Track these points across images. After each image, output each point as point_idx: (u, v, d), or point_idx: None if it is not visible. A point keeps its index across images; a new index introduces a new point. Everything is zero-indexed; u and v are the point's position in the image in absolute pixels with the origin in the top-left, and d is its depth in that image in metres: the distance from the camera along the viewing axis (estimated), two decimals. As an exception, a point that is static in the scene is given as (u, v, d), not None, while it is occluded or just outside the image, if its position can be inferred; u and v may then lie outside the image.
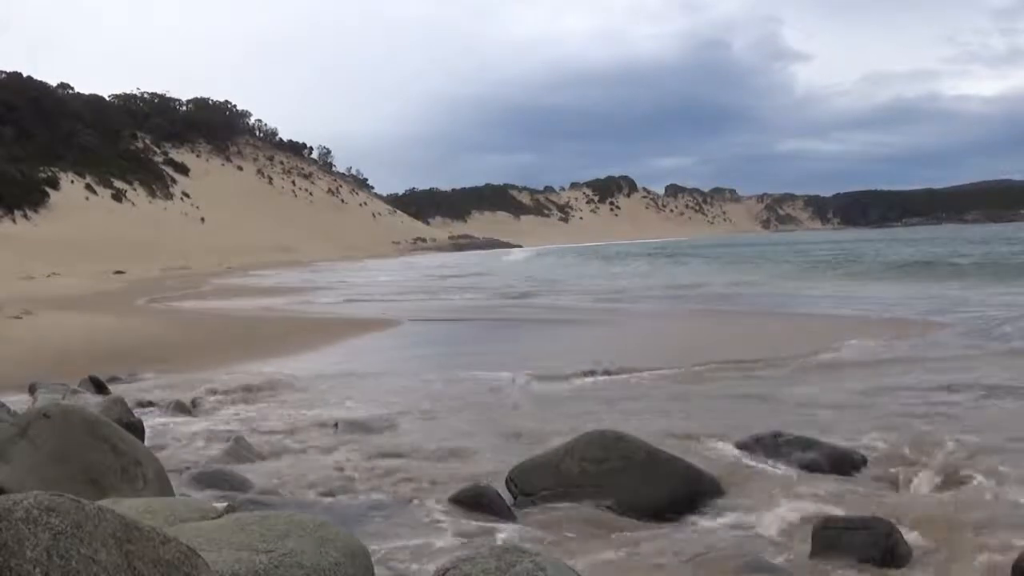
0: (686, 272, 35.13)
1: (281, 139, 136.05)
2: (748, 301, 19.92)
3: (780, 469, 5.01)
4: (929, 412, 6.71)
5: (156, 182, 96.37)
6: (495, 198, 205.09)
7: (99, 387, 8.50)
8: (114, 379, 9.60)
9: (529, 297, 23.70)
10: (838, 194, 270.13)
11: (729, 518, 4.45)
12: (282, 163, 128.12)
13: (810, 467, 4.85)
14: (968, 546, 3.96)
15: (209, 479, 4.65)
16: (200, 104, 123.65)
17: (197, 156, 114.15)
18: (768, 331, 13.67)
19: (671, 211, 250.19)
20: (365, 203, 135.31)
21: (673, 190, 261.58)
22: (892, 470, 5.12)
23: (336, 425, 6.53)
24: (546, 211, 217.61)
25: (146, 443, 5.33)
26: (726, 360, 9.89)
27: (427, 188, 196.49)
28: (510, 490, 4.56)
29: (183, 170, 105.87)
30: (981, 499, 4.62)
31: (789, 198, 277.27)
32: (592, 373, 9.20)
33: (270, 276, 44.24)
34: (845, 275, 28.09)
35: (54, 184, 76.55)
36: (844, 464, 4.89)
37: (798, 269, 32.31)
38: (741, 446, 5.30)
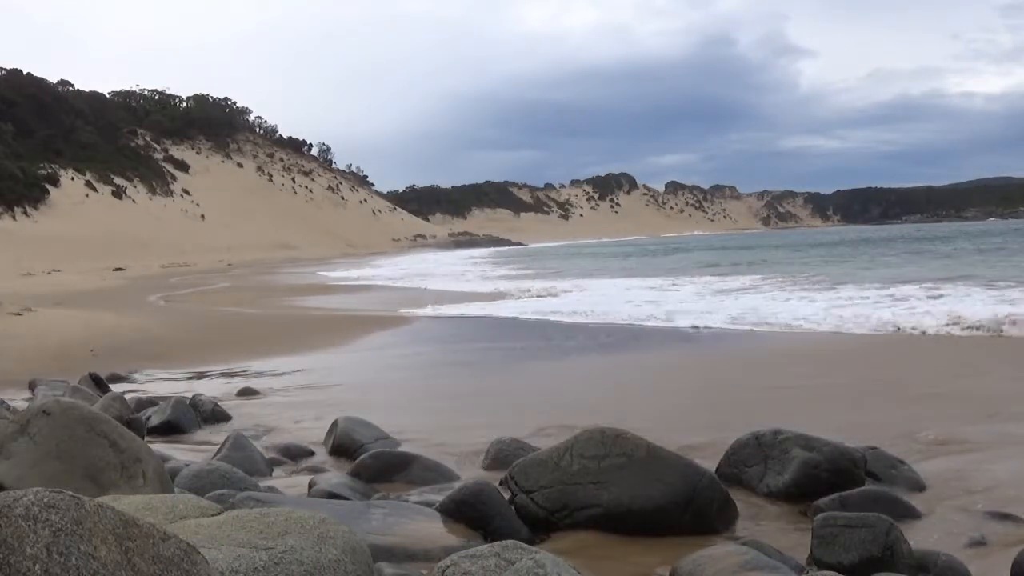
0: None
1: (281, 136, 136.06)
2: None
3: (779, 467, 5.01)
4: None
5: (156, 179, 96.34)
6: (495, 195, 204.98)
7: (99, 384, 8.51)
8: (115, 376, 9.60)
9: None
10: (838, 191, 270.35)
11: (728, 515, 4.45)
12: (282, 160, 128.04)
13: (809, 465, 4.84)
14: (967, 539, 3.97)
15: (209, 476, 4.64)
16: (200, 101, 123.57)
17: (197, 153, 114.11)
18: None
19: (671, 208, 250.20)
20: (365, 200, 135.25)
21: (673, 187, 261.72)
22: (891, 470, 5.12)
23: (335, 422, 6.52)
24: (546, 208, 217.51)
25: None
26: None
27: (428, 185, 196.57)
28: (509, 487, 4.56)
29: (183, 167, 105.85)
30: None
31: (789, 195, 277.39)
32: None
33: (269, 275, 44.22)
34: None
35: (54, 181, 76.51)
36: (844, 463, 4.88)
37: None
38: (740, 444, 5.29)
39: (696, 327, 13.68)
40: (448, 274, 37.81)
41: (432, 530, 4.03)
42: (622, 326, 14.43)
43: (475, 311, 18.10)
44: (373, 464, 5.38)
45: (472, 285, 28.60)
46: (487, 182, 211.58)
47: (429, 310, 18.34)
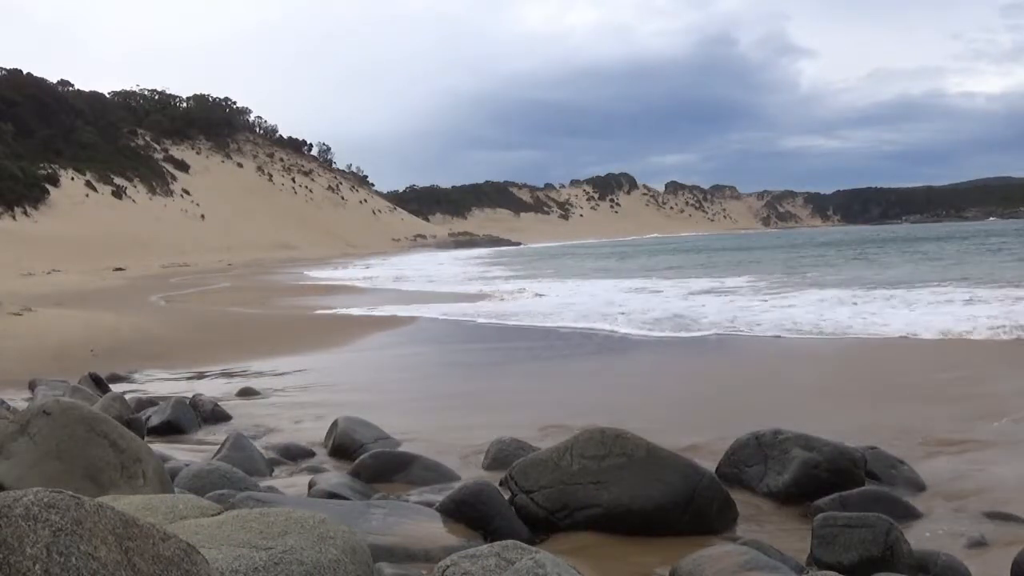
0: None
1: (281, 136, 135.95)
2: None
3: (779, 467, 5.01)
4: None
5: (156, 179, 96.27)
6: (495, 195, 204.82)
7: (99, 384, 8.51)
8: (115, 376, 9.60)
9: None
10: (838, 191, 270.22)
11: (728, 515, 4.45)
12: (282, 160, 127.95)
13: (809, 465, 4.84)
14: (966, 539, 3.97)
15: (209, 476, 4.64)
16: (200, 101, 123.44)
17: (197, 153, 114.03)
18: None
19: (671, 208, 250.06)
20: (365, 200, 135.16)
21: (673, 187, 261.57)
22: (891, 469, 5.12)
23: (335, 421, 6.52)
24: (546, 208, 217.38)
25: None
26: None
27: (427, 185, 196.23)
28: (509, 487, 4.56)
29: (183, 167, 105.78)
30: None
31: (789, 195, 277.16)
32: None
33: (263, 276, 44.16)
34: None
35: (54, 181, 76.46)
36: (844, 463, 4.88)
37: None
38: (740, 444, 5.29)
39: (689, 332, 13.68)
40: (437, 276, 37.57)
41: (432, 530, 4.03)
42: (610, 329, 14.43)
43: (457, 312, 18.11)
44: (373, 464, 5.38)
45: (461, 287, 28.54)
46: (487, 182, 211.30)
47: (415, 310, 18.36)
